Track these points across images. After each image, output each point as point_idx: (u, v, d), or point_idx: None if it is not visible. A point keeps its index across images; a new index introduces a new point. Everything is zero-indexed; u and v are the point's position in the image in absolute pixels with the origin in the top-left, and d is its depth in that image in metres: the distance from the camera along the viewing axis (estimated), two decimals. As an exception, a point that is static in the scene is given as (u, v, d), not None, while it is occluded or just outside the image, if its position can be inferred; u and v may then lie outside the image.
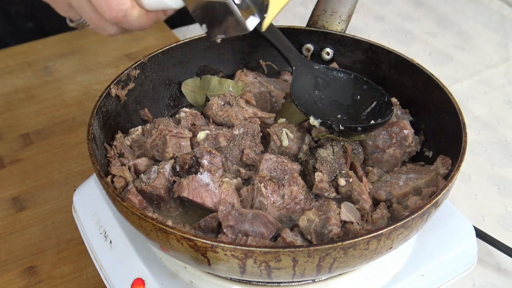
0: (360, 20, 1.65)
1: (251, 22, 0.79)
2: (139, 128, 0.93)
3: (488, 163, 1.19)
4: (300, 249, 0.64)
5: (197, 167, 0.83)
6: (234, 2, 0.77)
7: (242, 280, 0.79)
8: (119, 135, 0.90)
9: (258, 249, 0.64)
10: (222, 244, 0.65)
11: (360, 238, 0.66)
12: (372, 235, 0.66)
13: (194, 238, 0.66)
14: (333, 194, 0.83)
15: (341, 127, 0.85)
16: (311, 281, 0.79)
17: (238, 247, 0.65)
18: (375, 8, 1.71)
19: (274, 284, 0.79)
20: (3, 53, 1.50)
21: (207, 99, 1.00)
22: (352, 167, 0.87)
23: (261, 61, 1.06)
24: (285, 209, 0.80)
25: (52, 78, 1.42)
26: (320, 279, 0.79)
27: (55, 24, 1.57)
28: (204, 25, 0.82)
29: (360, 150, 0.90)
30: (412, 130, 0.91)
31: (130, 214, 0.71)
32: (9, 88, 1.39)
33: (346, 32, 1.03)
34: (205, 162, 0.83)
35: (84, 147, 1.22)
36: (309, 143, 0.90)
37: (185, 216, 0.84)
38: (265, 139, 0.93)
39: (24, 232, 1.05)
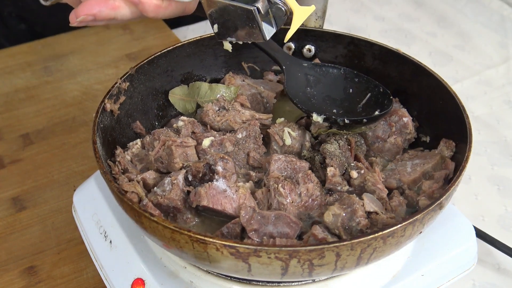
0: (360, 20, 1.65)
1: (269, 32, 0.80)
2: (138, 141, 0.90)
3: (488, 163, 1.19)
4: (344, 243, 0.65)
5: (211, 174, 0.82)
6: (259, 10, 0.76)
7: (242, 280, 0.79)
8: (118, 150, 0.88)
9: (303, 248, 0.64)
10: (266, 248, 0.64)
11: (398, 226, 0.67)
12: (408, 221, 0.68)
13: (236, 245, 0.65)
14: (346, 187, 0.83)
15: (346, 121, 0.85)
16: (311, 281, 0.79)
17: (284, 248, 0.64)
18: (375, 8, 1.71)
19: (274, 284, 0.79)
20: (3, 53, 1.50)
21: (198, 106, 0.98)
22: (357, 159, 0.87)
23: (243, 63, 1.05)
24: (303, 207, 0.80)
25: (52, 78, 1.42)
26: (320, 279, 0.80)
27: (46, 26, 1.58)
28: (216, 26, 0.81)
29: (362, 142, 0.90)
30: (411, 118, 0.91)
31: (161, 229, 0.69)
32: (9, 88, 1.39)
33: (345, 30, 1.03)
34: (219, 168, 0.82)
35: (84, 147, 1.22)
36: (310, 140, 0.91)
37: (202, 225, 0.82)
38: (264, 140, 0.92)
39: (24, 232, 1.05)
